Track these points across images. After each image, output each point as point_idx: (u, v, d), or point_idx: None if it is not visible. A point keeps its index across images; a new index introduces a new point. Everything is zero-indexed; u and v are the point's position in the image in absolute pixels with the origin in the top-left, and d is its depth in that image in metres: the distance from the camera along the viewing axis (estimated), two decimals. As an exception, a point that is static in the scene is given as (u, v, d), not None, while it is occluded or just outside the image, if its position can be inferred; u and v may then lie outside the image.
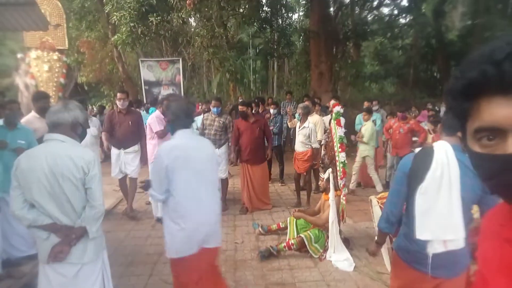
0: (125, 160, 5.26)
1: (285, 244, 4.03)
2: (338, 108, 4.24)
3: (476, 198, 1.83)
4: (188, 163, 2.39)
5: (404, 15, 17.76)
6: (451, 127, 1.91)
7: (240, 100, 8.47)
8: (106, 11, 11.99)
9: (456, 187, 1.79)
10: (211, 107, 5.76)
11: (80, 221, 2.09)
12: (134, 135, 5.25)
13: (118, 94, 5.28)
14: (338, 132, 4.12)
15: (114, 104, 5.46)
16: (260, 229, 4.67)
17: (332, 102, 4.57)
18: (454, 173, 1.79)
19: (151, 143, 5.23)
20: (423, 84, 17.98)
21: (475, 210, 1.90)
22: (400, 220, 2.14)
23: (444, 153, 1.83)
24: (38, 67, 7.68)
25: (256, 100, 8.42)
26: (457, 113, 0.68)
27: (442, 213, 1.81)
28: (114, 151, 5.27)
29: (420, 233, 1.87)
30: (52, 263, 2.06)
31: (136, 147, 5.30)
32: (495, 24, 13.67)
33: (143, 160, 5.33)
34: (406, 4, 17.37)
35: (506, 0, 14.66)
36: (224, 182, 5.78)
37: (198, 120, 6.39)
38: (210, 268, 2.62)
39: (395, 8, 17.70)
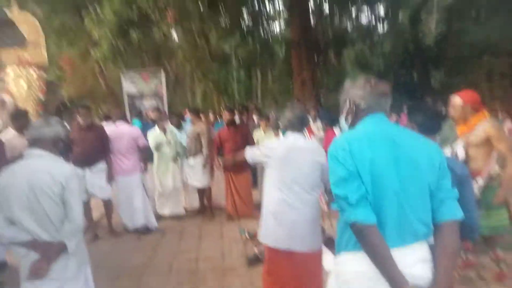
0: (93, 181, 4.81)
1: (271, 249, 4.04)
2: None
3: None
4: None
5: (382, 23, 18.21)
6: (429, 128, 2.02)
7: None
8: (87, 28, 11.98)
9: None
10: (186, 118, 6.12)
11: (59, 237, 2.07)
12: (100, 152, 4.85)
13: (80, 110, 4.82)
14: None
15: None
16: (246, 235, 4.68)
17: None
18: None
19: (134, 155, 5.19)
20: (403, 89, 18.35)
21: None
22: None
23: None
24: (16, 84, 7.62)
25: (240, 108, 8.49)
26: None
27: None
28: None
29: None
30: (32, 280, 2.03)
31: (102, 165, 4.90)
32: (468, 30, 14.13)
33: (109, 177, 4.96)
34: (384, 13, 17.86)
35: (478, 8, 15.19)
36: (207, 191, 5.81)
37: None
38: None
39: (373, 17, 18.16)
